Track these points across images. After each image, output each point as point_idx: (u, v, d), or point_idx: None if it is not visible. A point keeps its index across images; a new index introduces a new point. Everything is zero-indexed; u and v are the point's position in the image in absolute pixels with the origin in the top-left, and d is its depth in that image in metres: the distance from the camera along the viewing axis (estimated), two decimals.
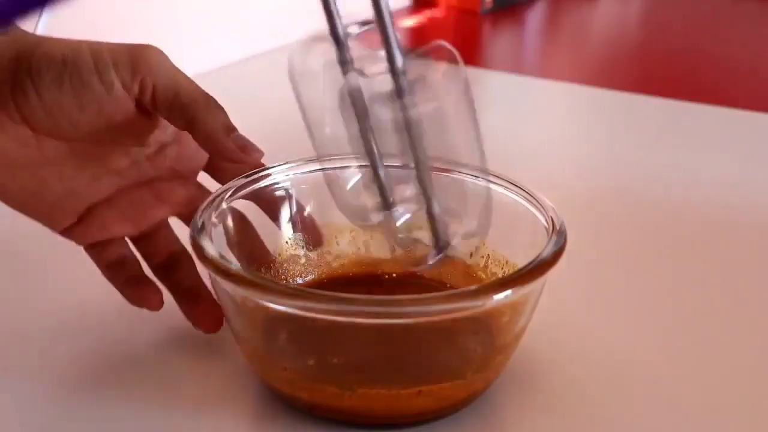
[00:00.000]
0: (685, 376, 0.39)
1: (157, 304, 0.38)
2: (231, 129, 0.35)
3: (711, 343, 0.42)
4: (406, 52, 0.31)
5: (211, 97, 0.36)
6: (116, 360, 0.38)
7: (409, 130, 0.31)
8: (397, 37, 0.30)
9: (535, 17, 1.49)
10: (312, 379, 0.34)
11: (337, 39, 0.33)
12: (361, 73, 0.32)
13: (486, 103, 0.95)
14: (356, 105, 0.33)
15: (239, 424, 0.35)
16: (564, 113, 0.89)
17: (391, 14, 0.30)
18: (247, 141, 0.36)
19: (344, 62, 0.33)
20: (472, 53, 1.21)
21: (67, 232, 0.38)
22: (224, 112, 0.36)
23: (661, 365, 0.40)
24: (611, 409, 0.36)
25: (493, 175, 0.41)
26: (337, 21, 0.33)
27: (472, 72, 1.03)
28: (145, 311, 0.38)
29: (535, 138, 0.76)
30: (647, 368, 0.39)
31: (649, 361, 0.40)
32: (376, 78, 0.32)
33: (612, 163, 0.68)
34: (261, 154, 0.36)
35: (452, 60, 0.31)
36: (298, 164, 0.41)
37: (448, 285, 0.41)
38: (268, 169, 0.40)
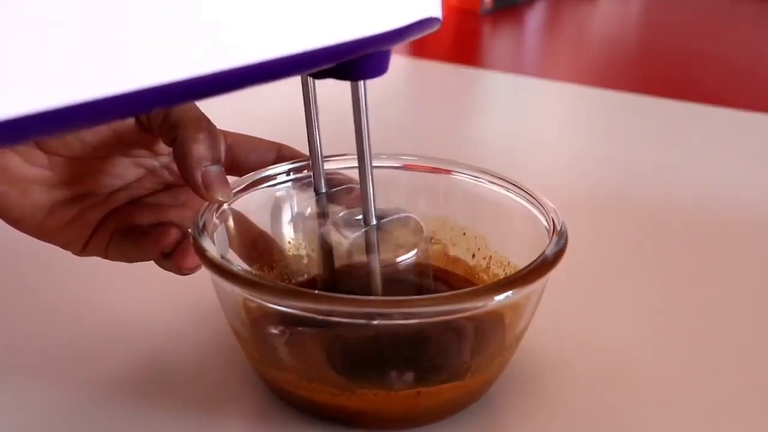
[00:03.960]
0: (686, 375, 0.39)
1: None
2: (207, 160, 0.34)
3: (712, 343, 0.42)
4: (378, 215, 0.34)
5: (203, 120, 0.35)
6: (115, 361, 0.38)
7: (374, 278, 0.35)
8: (373, 199, 0.34)
9: (535, 17, 1.49)
10: (312, 379, 0.34)
11: (318, 191, 0.38)
12: (337, 229, 0.36)
13: (486, 103, 0.95)
14: (325, 251, 0.37)
15: (239, 424, 0.35)
16: (564, 113, 0.89)
17: (372, 177, 0.33)
18: (216, 179, 0.34)
19: (322, 213, 0.38)
20: (472, 53, 1.21)
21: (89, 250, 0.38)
22: (209, 140, 0.34)
23: (661, 365, 0.40)
24: (612, 411, 0.36)
25: (493, 175, 0.41)
26: (321, 176, 0.38)
27: (472, 72, 1.04)
28: (143, 313, 0.38)
29: (535, 138, 0.76)
30: (648, 369, 0.39)
31: (649, 361, 0.40)
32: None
33: (612, 163, 0.68)
34: (226, 196, 0.35)
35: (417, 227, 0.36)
36: (298, 166, 0.41)
37: (450, 286, 0.41)
38: (269, 170, 0.40)
